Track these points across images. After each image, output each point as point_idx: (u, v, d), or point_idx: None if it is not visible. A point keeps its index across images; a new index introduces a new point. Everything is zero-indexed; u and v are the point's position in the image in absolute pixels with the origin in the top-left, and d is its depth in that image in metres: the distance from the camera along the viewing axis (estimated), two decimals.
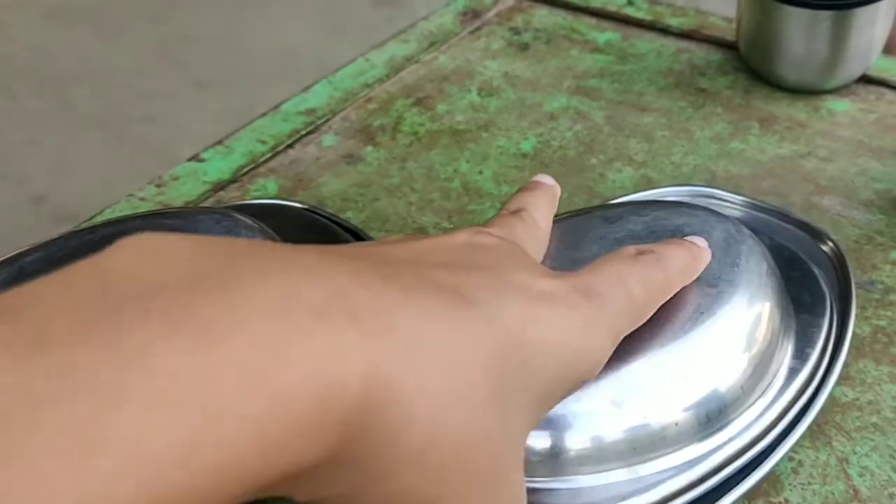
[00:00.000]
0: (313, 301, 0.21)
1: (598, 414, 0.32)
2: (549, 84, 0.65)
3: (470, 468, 0.23)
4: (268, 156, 0.59)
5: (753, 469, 0.35)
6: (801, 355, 0.38)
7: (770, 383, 0.36)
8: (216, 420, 0.19)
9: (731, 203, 0.48)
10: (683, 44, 0.68)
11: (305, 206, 0.51)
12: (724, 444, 0.34)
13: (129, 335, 0.19)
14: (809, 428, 0.37)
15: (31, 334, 0.18)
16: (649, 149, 0.58)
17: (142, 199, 0.56)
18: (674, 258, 0.33)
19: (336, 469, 0.21)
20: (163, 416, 0.18)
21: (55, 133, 1.99)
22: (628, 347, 0.32)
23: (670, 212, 0.40)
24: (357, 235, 0.47)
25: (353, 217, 0.53)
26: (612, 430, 0.32)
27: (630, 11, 0.71)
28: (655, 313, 0.32)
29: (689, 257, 0.34)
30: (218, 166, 0.58)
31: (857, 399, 0.41)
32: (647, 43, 0.69)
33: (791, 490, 0.38)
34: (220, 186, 0.57)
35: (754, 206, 0.47)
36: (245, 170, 0.58)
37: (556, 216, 0.38)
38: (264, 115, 0.63)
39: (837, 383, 0.40)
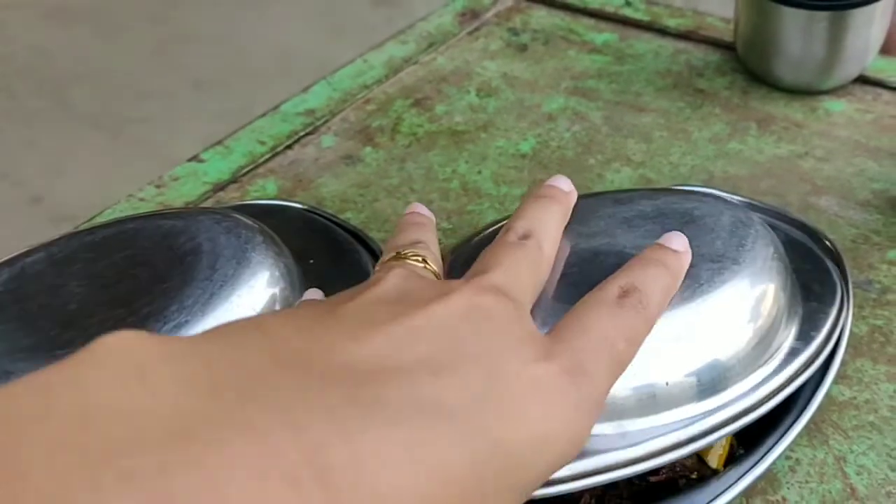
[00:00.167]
0: (289, 463, 0.21)
1: None
2: (548, 85, 0.65)
3: None
4: (267, 156, 0.60)
5: (751, 467, 0.36)
6: (805, 337, 0.38)
7: (769, 358, 0.36)
8: None
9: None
10: (681, 44, 0.68)
11: (305, 207, 0.51)
12: (716, 409, 0.34)
13: None
14: (807, 426, 0.38)
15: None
16: (647, 149, 0.58)
17: (142, 199, 0.56)
18: (655, 290, 0.32)
19: None
20: None
21: (53, 133, 1.99)
22: None
23: (681, 197, 0.40)
24: (356, 236, 0.47)
25: (352, 217, 0.54)
26: None
27: (628, 12, 0.72)
28: None
29: (670, 278, 0.33)
30: (217, 167, 0.58)
31: (855, 398, 0.41)
32: (645, 44, 0.69)
33: (788, 488, 0.38)
34: (219, 187, 0.57)
35: (752, 207, 0.48)
36: (245, 170, 0.58)
37: None
38: (264, 115, 0.64)
39: (835, 382, 0.40)
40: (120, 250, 0.40)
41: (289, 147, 0.60)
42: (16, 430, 0.19)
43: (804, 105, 0.61)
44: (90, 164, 1.88)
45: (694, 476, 0.36)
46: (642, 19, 0.71)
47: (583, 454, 0.32)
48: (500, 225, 0.40)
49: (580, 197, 0.38)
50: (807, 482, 0.38)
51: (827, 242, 0.45)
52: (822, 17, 0.57)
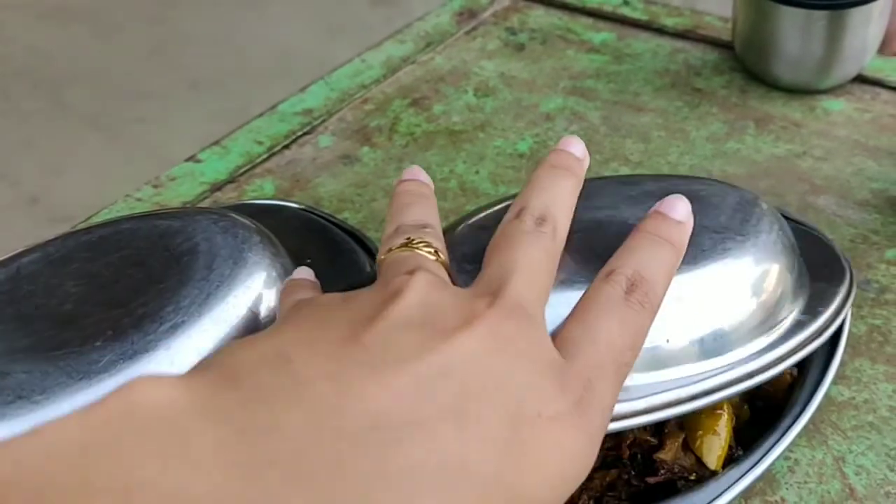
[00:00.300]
0: None
1: None
2: (546, 84, 0.65)
3: None
4: (264, 156, 0.59)
5: (750, 468, 0.36)
6: (812, 312, 0.37)
7: (773, 327, 0.35)
8: None
9: None
10: (679, 44, 0.68)
11: (302, 207, 0.51)
12: (718, 370, 0.34)
13: None
14: (805, 427, 0.37)
15: None
16: (645, 149, 0.58)
17: (139, 199, 0.56)
18: (661, 277, 0.32)
19: None
20: None
21: (51, 133, 1.98)
22: None
23: (688, 181, 0.40)
24: (354, 236, 0.47)
25: (349, 217, 0.54)
26: None
27: (626, 11, 0.71)
28: None
29: (675, 258, 0.33)
30: (215, 167, 0.58)
31: (853, 398, 0.41)
32: (643, 43, 0.69)
33: (787, 489, 0.38)
34: (216, 187, 0.57)
35: None
36: (242, 170, 0.58)
37: None
38: (261, 115, 0.63)
39: (833, 382, 0.40)
40: (116, 250, 0.40)
41: (286, 147, 0.60)
42: None
43: (802, 104, 0.61)
44: (88, 165, 1.88)
45: (692, 477, 0.36)
46: (640, 18, 0.71)
47: None
48: (498, 206, 0.39)
49: (585, 181, 0.37)
50: (805, 482, 0.38)
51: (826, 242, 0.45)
52: (820, 16, 0.57)
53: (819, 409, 0.38)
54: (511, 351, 0.28)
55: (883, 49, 0.62)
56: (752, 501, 0.37)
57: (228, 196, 0.56)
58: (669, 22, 0.70)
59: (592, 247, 0.34)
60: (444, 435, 0.25)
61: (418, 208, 0.35)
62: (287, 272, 0.40)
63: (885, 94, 0.61)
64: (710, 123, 0.60)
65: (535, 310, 0.30)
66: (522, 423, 0.26)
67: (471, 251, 0.35)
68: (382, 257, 0.33)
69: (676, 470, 0.36)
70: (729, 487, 0.35)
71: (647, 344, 0.32)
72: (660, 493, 0.36)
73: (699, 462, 0.36)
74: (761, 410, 0.39)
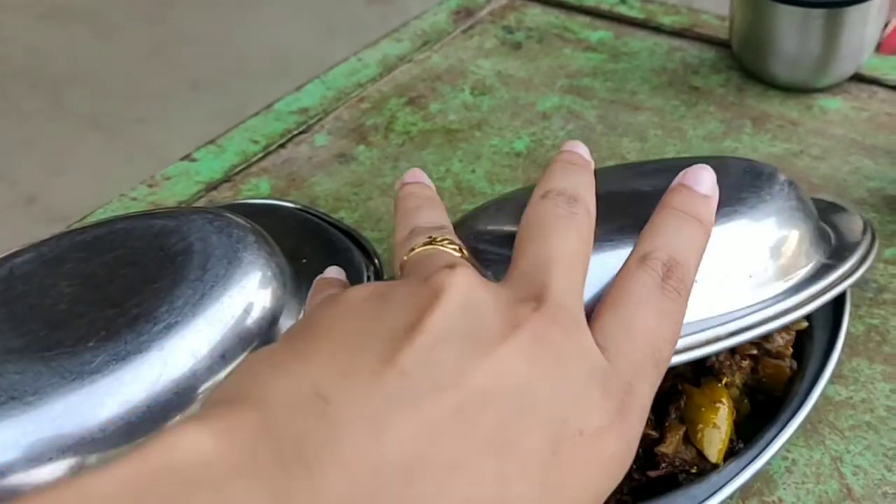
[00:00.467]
0: None
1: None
2: (542, 83, 0.65)
3: None
4: (260, 155, 0.59)
5: (751, 461, 0.36)
6: (833, 259, 0.38)
7: (789, 276, 0.36)
8: None
9: None
10: (676, 42, 0.68)
11: (298, 206, 0.51)
12: (750, 307, 0.34)
13: None
14: (803, 426, 0.37)
15: None
16: (642, 148, 0.58)
17: (134, 199, 0.55)
18: (693, 259, 0.31)
19: None
20: None
21: (49, 133, 1.98)
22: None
23: (699, 159, 0.40)
24: (350, 235, 0.47)
25: (345, 216, 0.53)
26: None
27: (623, 10, 0.71)
28: None
29: (705, 236, 0.32)
30: (210, 166, 0.58)
31: (851, 398, 0.41)
32: (640, 41, 0.68)
33: (785, 489, 0.38)
34: (212, 186, 0.57)
35: None
36: (237, 169, 0.58)
37: None
38: (257, 114, 0.63)
39: (831, 381, 0.40)
40: (110, 250, 0.40)
41: (282, 146, 0.60)
42: None
43: (799, 103, 0.61)
44: (86, 165, 1.88)
45: (693, 470, 0.36)
46: (637, 17, 0.70)
47: None
48: (498, 205, 0.39)
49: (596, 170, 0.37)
50: (803, 483, 0.38)
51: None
52: (817, 14, 0.57)
53: (816, 408, 0.38)
54: (556, 360, 0.27)
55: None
56: (750, 501, 0.37)
57: (224, 195, 0.56)
58: (666, 20, 0.70)
59: (610, 215, 0.33)
60: (484, 474, 0.24)
61: (429, 211, 0.35)
62: (282, 272, 0.39)
63: (882, 93, 0.61)
64: (707, 122, 0.60)
65: (578, 310, 0.29)
66: (563, 444, 0.25)
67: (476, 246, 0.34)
68: (405, 258, 0.31)
69: (677, 463, 0.36)
70: (730, 481, 0.35)
71: None
72: (661, 487, 0.36)
73: (700, 455, 0.36)
74: (761, 404, 0.39)
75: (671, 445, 0.36)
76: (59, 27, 2.34)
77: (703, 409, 0.37)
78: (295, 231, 0.48)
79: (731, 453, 0.37)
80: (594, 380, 0.27)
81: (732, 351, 0.39)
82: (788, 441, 0.37)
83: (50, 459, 0.31)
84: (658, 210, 0.33)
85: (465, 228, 0.38)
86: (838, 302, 0.42)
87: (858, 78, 0.62)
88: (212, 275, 0.37)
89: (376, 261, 0.44)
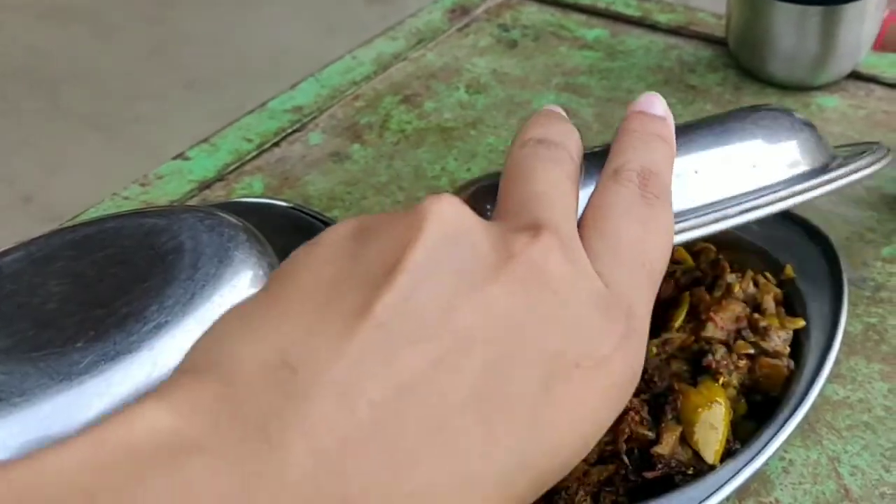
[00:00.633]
0: None
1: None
2: (538, 81, 0.64)
3: None
4: (254, 154, 0.59)
5: (748, 462, 0.35)
6: (840, 163, 0.37)
7: (797, 166, 0.35)
8: None
9: None
10: (672, 40, 0.68)
11: (291, 205, 0.50)
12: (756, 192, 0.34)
13: None
14: (800, 426, 0.37)
15: None
16: None
17: (126, 198, 0.55)
18: (665, 169, 0.30)
19: None
20: None
21: (47, 133, 1.98)
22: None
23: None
24: None
25: (339, 215, 0.53)
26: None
27: (619, 8, 0.71)
28: None
29: (672, 152, 0.32)
30: (203, 165, 0.58)
31: (848, 397, 0.41)
32: (636, 39, 0.68)
33: (782, 489, 0.37)
34: (205, 185, 0.56)
35: None
36: (231, 168, 0.58)
37: None
38: (251, 112, 0.63)
39: (828, 381, 0.39)
40: (100, 249, 0.40)
41: (276, 144, 0.60)
42: None
43: (797, 101, 0.60)
44: (84, 164, 1.88)
45: (690, 471, 0.36)
46: (633, 15, 0.70)
47: None
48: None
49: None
50: (800, 483, 0.37)
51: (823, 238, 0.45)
52: (814, 12, 0.57)
53: (814, 408, 0.38)
54: (554, 290, 0.25)
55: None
56: (747, 502, 0.37)
57: (217, 194, 0.55)
58: (663, 18, 0.69)
59: None
60: (466, 434, 0.22)
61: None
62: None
63: (879, 91, 0.61)
64: None
65: (573, 237, 0.27)
66: (556, 380, 0.24)
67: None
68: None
69: (674, 464, 0.36)
70: (727, 482, 0.35)
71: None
72: (657, 488, 0.35)
73: (697, 456, 0.36)
74: (758, 404, 0.39)
75: (667, 446, 0.36)
76: (59, 27, 2.34)
77: (699, 409, 0.36)
78: (287, 230, 0.48)
79: (727, 454, 0.36)
80: (596, 307, 0.25)
81: (729, 350, 0.39)
82: (786, 441, 0.36)
83: None
84: (619, 135, 0.32)
85: (464, 193, 0.38)
86: (836, 300, 0.41)
87: (856, 75, 0.62)
88: (202, 274, 0.37)
89: None
